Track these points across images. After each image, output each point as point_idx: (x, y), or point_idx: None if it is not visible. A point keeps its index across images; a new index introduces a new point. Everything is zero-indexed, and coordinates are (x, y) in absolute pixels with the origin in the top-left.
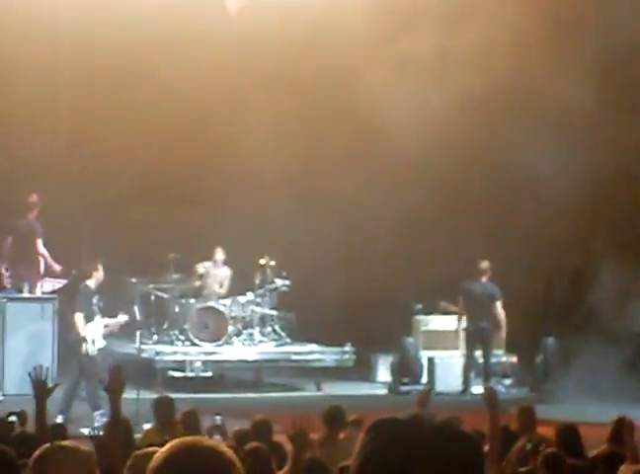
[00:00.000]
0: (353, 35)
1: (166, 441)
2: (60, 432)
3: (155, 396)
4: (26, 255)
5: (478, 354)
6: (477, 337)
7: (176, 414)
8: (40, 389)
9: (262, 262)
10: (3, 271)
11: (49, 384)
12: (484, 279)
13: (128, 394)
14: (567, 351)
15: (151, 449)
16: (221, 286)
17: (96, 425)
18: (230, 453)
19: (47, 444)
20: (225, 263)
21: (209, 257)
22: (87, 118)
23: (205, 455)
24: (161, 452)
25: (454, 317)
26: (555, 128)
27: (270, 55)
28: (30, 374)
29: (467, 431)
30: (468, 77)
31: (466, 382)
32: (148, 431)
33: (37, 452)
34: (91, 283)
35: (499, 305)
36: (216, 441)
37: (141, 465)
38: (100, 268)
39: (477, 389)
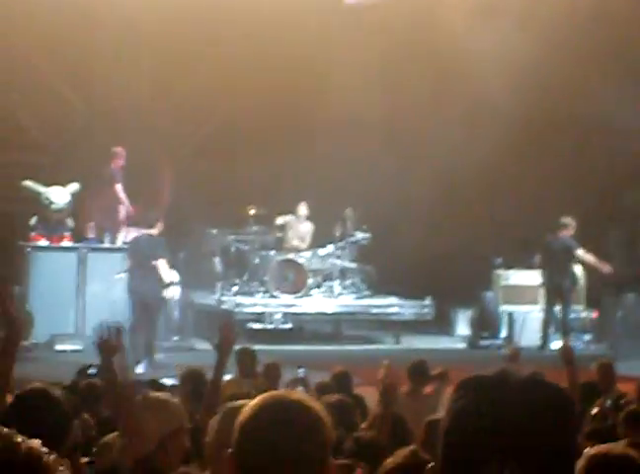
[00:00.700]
0: None
1: (250, 393)
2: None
3: (237, 347)
4: (106, 204)
5: (557, 309)
6: (555, 292)
7: (257, 365)
8: (106, 349)
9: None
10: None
11: (115, 341)
12: (564, 235)
13: (207, 345)
14: None
15: (239, 403)
16: (303, 241)
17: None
18: (319, 407)
19: (139, 396)
20: (308, 218)
21: (291, 209)
22: (168, 70)
23: (295, 409)
24: (250, 407)
25: (535, 272)
26: None
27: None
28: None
29: (555, 384)
30: (552, 23)
31: (545, 338)
32: (229, 382)
33: (126, 406)
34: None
35: (579, 257)
36: (304, 395)
37: (231, 418)
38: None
39: (556, 345)
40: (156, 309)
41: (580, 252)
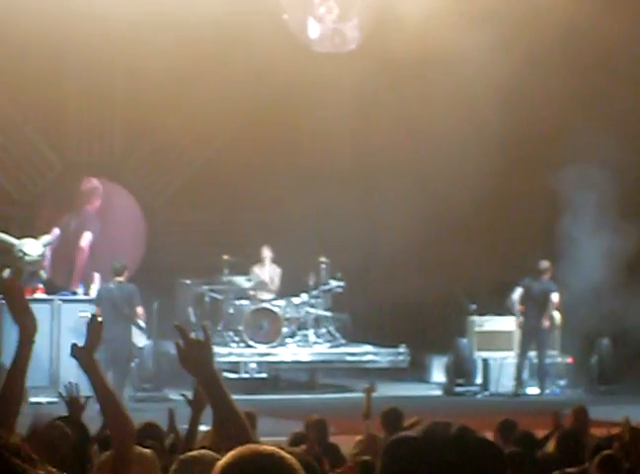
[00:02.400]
0: None
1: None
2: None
3: None
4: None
5: (533, 354)
6: (532, 336)
7: None
8: (74, 406)
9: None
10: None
11: (82, 400)
12: (544, 279)
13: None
14: (622, 352)
15: (192, 453)
16: (271, 283)
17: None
18: (292, 459)
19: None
20: (274, 261)
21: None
22: (141, 121)
23: (269, 461)
24: (226, 458)
25: (509, 318)
26: None
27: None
28: (60, 394)
29: (482, 436)
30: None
31: (518, 383)
32: (208, 432)
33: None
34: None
35: (554, 303)
36: (278, 448)
37: (186, 468)
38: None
39: (532, 390)
40: (125, 357)
41: (555, 297)
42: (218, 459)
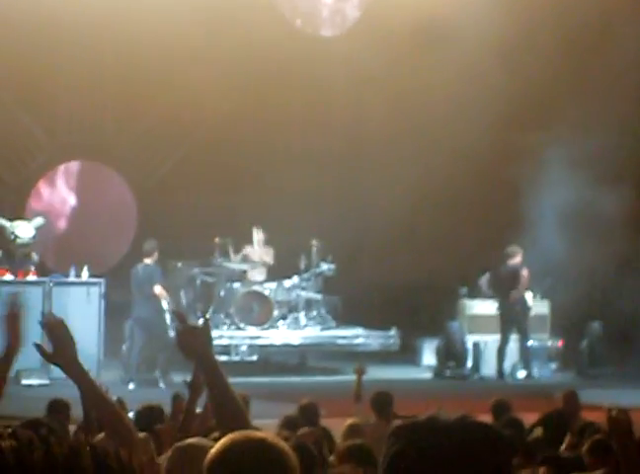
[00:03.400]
0: None
1: (210, 429)
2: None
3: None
4: None
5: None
6: (508, 319)
7: None
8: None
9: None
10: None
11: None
12: (512, 263)
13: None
14: (612, 335)
15: (188, 441)
16: (264, 264)
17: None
18: (282, 444)
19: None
20: (266, 242)
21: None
22: (132, 101)
23: (260, 446)
24: (218, 445)
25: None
26: None
27: None
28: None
29: (483, 422)
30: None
31: (500, 366)
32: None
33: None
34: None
35: (523, 279)
36: (269, 433)
37: (180, 456)
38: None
39: (521, 374)
40: (161, 332)
41: (524, 273)
42: (212, 447)
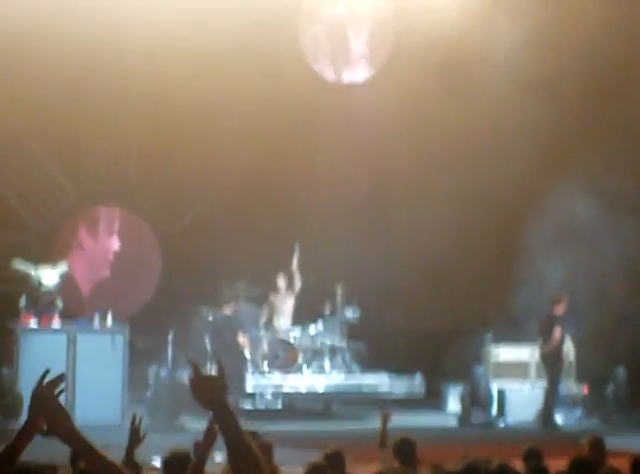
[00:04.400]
0: None
1: None
2: None
3: None
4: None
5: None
6: (549, 366)
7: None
8: (134, 436)
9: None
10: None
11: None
12: (554, 309)
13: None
14: (638, 380)
15: None
16: (285, 318)
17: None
18: None
19: None
20: (288, 287)
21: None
22: (156, 150)
23: None
24: None
25: (525, 347)
26: None
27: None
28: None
29: (520, 471)
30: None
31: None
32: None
33: None
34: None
35: (556, 332)
36: None
37: None
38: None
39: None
40: (235, 389)
41: (556, 331)
42: None
